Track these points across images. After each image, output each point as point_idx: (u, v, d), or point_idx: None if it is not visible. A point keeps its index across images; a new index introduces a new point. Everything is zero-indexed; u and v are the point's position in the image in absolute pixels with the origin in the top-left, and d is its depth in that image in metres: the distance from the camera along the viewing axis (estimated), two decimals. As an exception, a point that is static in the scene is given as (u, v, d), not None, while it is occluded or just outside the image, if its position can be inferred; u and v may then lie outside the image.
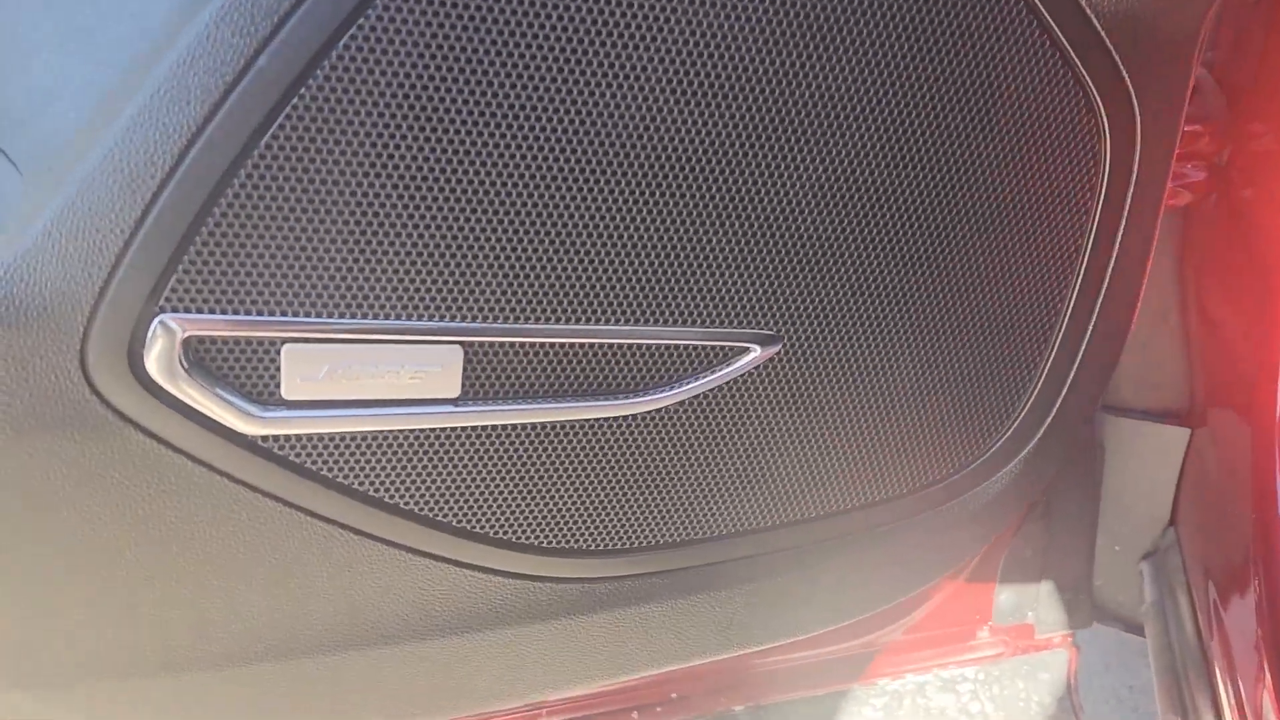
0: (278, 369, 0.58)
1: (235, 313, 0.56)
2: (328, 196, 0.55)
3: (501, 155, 0.57)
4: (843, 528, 0.77)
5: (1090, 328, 0.76)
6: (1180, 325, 1.01)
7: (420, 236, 0.58)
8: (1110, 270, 0.74)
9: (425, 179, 0.56)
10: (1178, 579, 1.08)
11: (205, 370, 0.57)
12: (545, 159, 0.58)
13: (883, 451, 0.76)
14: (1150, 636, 1.08)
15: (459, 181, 0.57)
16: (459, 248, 0.58)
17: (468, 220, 0.58)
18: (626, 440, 0.68)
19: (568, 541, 0.70)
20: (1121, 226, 0.72)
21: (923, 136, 0.65)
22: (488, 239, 0.59)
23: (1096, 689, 1.55)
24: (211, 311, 0.56)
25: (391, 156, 0.55)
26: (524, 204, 0.59)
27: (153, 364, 0.56)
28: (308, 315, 0.58)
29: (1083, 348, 0.76)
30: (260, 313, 0.57)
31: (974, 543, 0.85)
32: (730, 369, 0.67)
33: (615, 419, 0.67)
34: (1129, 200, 0.72)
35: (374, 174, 0.56)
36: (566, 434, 0.66)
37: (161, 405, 0.57)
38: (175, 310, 0.55)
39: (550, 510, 0.68)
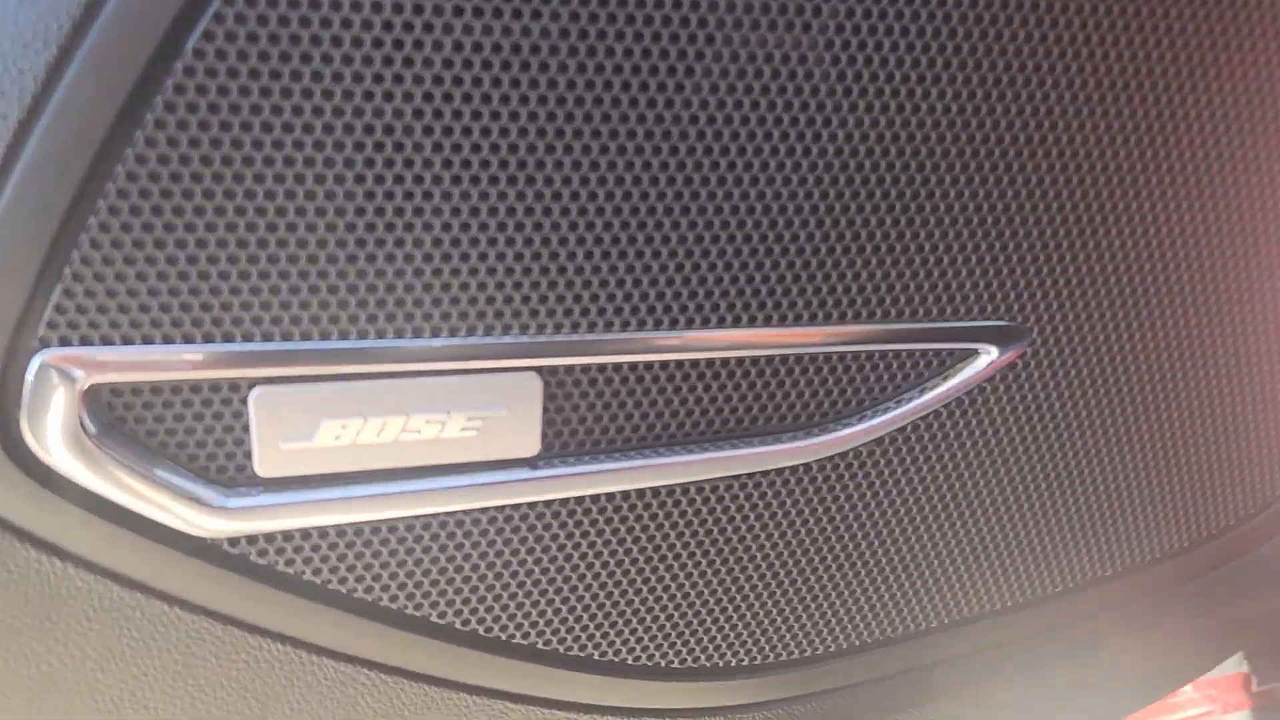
0: (245, 428, 0.36)
1: (167, 340, 0.34)
2: (309, 130, 0.33)
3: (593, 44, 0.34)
4: (1098, 604, 0.53)
5: None
6: None
7: (462, 198, 0.35)
8: None
9: (471, 95, 0.33)
10: None
11: (126, 438, 0.35)
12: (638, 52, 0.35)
13: (1154, 492, 0.51)
14: None
15: (526, 103, 0.34)
16: (527, 214, 0.35)
17: (543, 166, 0.35)
18: (796, 500, 0.44)
19: (710, 658, 0.47)
20: None
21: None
22: (576, 196, 0.36)
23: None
24: (126, 341, 0.34)
25: (410, 59, 0.33)
26: (628, 133, 0.35)
27: (37, 434, 0.34)
28: (286, 338, 0.35)
29: None
30: (207, 337, 0.34)
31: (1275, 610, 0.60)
32: (950, 385, 0.44)
33: (778, 471, 0.43)
34: None
35: (381, 91, 0.33)
36: (704, 500, 0.43)
37: (59, 499, 0.35)
38: (66, 343, 0.33)
39: (682, 615, 0.45)
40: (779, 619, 0.47)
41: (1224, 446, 0.52)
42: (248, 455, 0.36)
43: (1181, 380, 0.49)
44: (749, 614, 0.46)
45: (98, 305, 0.33)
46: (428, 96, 0.33)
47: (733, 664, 0.47)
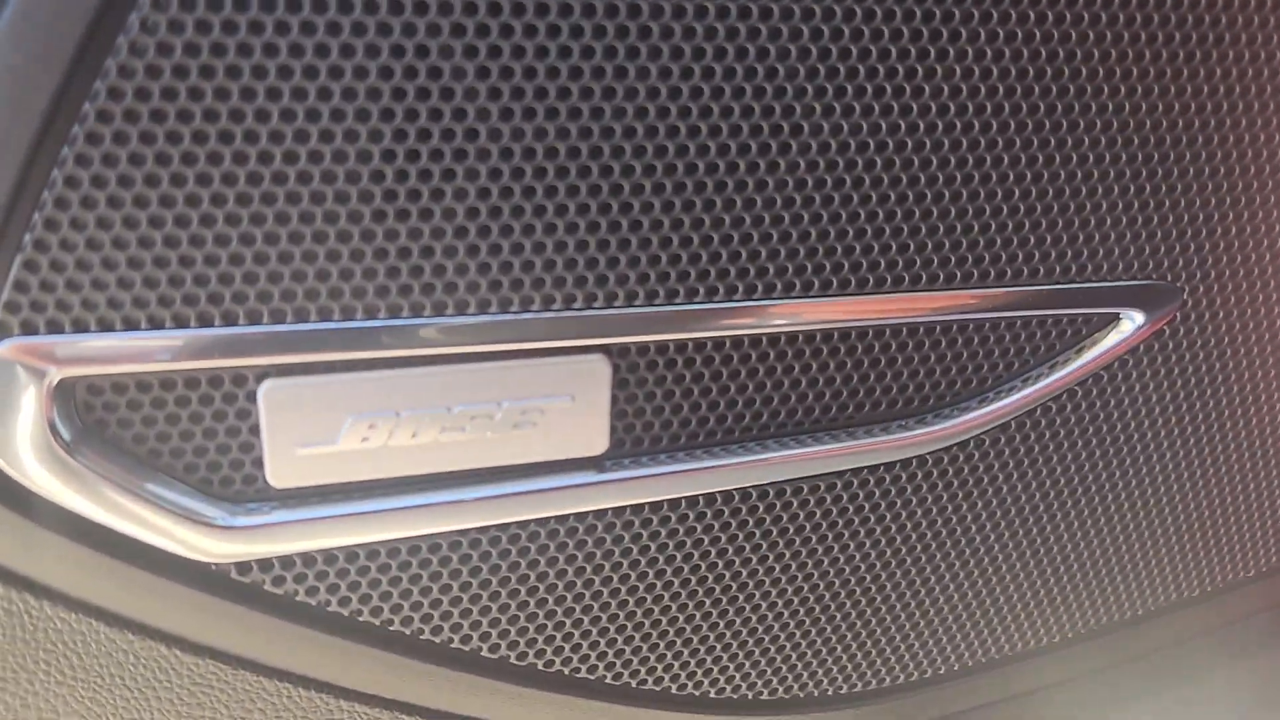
0: (254, 430, 0.29)
1: (154, 324, 0.27)
2: (323, 53, 0.26)
3: None
4: (1241, 608, 0.46)
5: None
6: None
7: (513, 137, 0.28)
8: None
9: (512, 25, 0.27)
10: None
11: (108, 446, 0.29)
12: None
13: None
14: None
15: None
16: (593, 156, 0.29)
17: (611, 95, 0.28)
18: (908, 500, 0.37)
19: (804, 687, 0.40)
20: None
21: None
22: (652, 132, 0.29)
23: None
24: (104, 326, 0.27)
25: None
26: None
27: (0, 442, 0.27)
28: (300, 318, 0.28)
29: None
30: (204, 319, 0.28)
31: None
32: (1086, 358, 0.37)
33: (887, 467, 0.36)
34: None
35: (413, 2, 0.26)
36: (801, 502, 0.36)
37: (30, 523, 0.29)
38: (30, 329, 0.27)
39: (773, 638, 0.38)
40: (883, 640, 0.40)
41: None
42: (258, 463, 0.30)
43: None
44: (849, 635, 0.39)
45: (67, 281, 0.27)
46: (458, 30, 0.27)
47: (830, 693, 0.41)
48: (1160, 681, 0.48)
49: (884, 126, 0.31)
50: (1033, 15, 0.31)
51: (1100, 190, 0.34)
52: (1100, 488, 0.40)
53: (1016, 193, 0.33)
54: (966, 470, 0.37)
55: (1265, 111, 0.35)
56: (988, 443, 0.37)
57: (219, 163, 0.26)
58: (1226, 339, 0.39)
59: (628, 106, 0.28)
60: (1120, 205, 0.35)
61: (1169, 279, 0.37)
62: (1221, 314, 0.38)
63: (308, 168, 0.27)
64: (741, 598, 0.37)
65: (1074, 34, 0.31)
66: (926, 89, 0.31)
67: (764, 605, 0.37)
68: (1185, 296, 0.37)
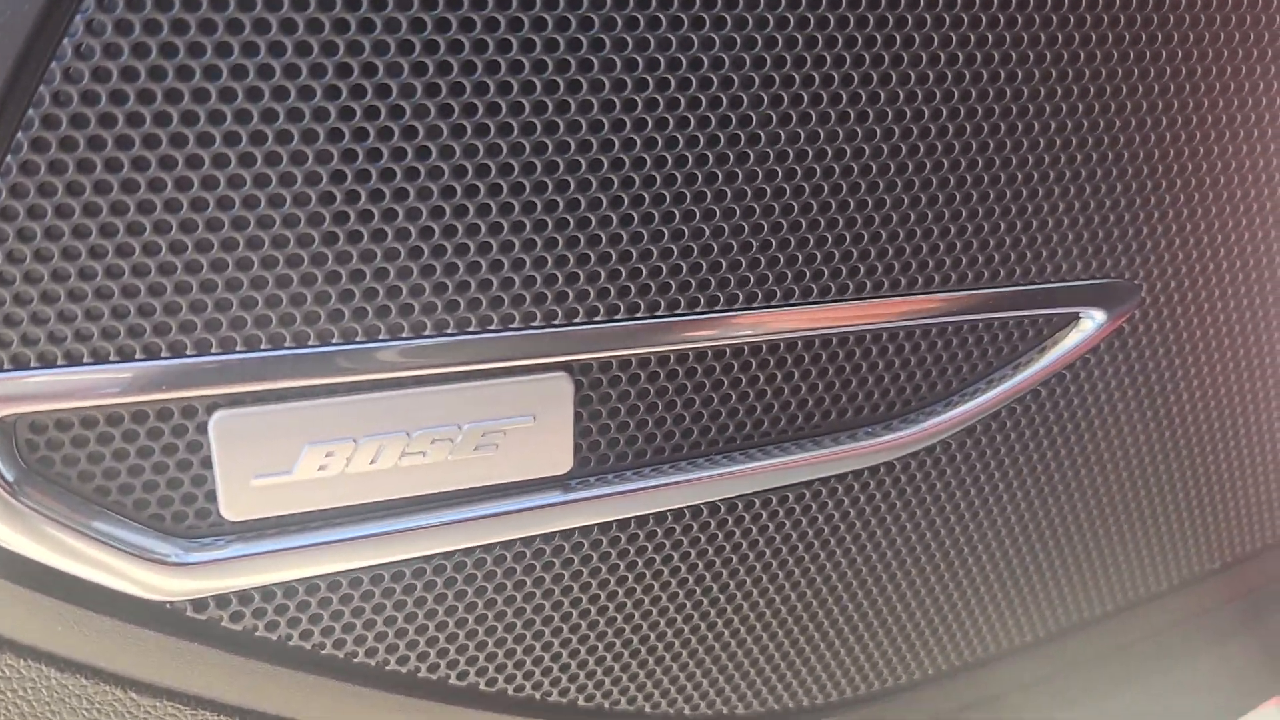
0: (206, 463, 0.29)
1: (97, 358, 0.27)
2: (266, 74, 0.25)
3: None
4: (1210, 599, 0.46)
5: None
6: None
7: (466, 154, 0.27)
8: None
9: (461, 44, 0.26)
10: None
11: (53, 485, 0.28)
12: None
13: (1258, 477, 0.45)
14: None
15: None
16: (549, 171, 0.28)
17: (565, 109, 0.28)
18: (877, 507, 0.37)
19: (779, 699, 0.40)
20: None
21: None
22: (607, 146, 0.28)
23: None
24: (46, 362, 0.26)
25: None
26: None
27: (-62, 485, 0.26)
28: (251, 346, 0.28)
29: None
30: (150, 351, 0.27)
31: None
32: (1048, 358, 0.37)
33: (855, 474, 0.36)
34: None
35: (358, 19, 0.26)
36: (770, 514, 0.35)
37: (-28, 567, 0.28)
38: (-31, 367, 0.26)
39: (746, 652, 0.38)
40: (858, 648, 0.40)
41: None
42: (211, 496, 0.29)
43: None
44: (824, 645, 0.39)
45: (4, 317, 0.26)
46: (405, 47, 0.26)
47: (806, 704, 0.40)
48: (1136, 673, 0.49)
49: (841, 134, 0.30)
50: (984, 20, 0.31)
51: (1058, 191, 0.34)
52: (1067, 486, 0.40)
53: (975, 196, 0.33)
54: (935, 474, 0.37)
55: (1215, 110, 0.35)
56: (954, 446, 0.37)
57: (160, 189, 0.25)
58: (1185, 334, 0.39)
59: (581, 120, 0.28)
60: (1078, 206, 0.35)
61: (1127, 277, 0.37)
62: (1180, 310, 0.39)
63: (254, 191, 0.26)
64: (713, 613, 0.36)
65: (1026, 36, 0.32)
66: (882, 96, 0.31)
67: (736, 619, 0.37)
68: (1144, 294, 0.37)
